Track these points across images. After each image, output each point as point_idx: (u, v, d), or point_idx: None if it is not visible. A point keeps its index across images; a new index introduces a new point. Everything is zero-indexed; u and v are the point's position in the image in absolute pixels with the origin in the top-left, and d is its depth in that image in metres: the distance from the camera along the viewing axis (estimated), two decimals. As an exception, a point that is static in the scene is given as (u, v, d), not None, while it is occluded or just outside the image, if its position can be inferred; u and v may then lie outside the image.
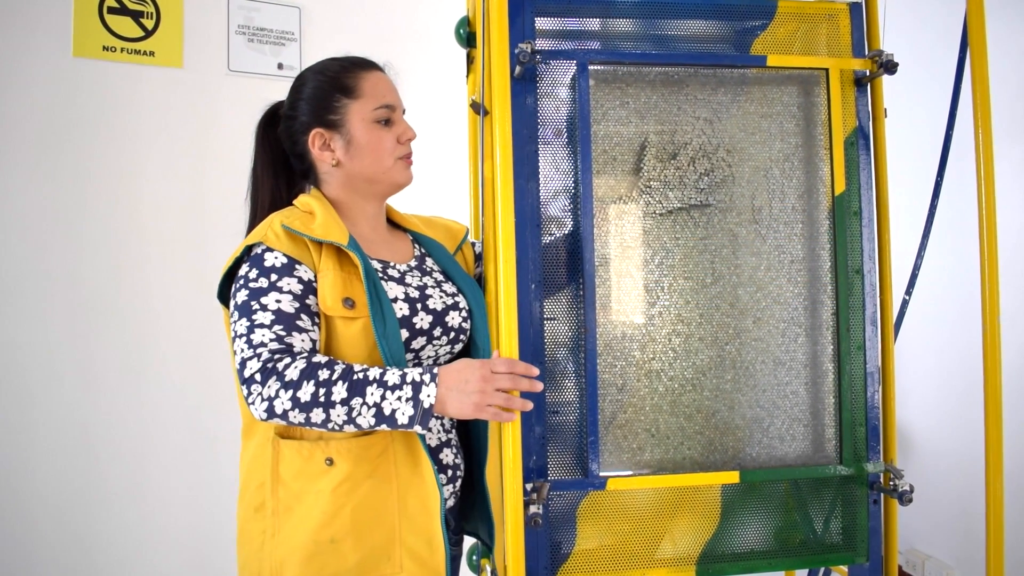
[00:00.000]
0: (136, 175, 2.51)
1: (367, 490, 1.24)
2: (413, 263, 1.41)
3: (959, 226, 2.08)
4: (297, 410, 1.15)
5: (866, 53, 1.53)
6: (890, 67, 1.46)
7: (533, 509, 1.31)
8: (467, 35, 1.62)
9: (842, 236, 1.49)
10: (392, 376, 1.17)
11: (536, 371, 1.23)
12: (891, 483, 1.48)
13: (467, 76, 1.74)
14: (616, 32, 1.54)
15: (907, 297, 1.70)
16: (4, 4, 2.35)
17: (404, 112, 1.41)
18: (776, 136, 1.51)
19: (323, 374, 1.15)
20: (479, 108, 1.46)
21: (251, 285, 1.22)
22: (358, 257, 1.24)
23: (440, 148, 2.68)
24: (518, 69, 1.38)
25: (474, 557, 1.55)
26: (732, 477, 1.43)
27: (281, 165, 1.43)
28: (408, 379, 1.17)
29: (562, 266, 1.45)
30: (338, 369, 1.17)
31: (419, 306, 1.31)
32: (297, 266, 1.23)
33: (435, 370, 1.18)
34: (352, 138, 1.34)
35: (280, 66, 2.68)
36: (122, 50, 2.46)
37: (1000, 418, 1.41)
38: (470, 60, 1.69)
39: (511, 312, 1.27)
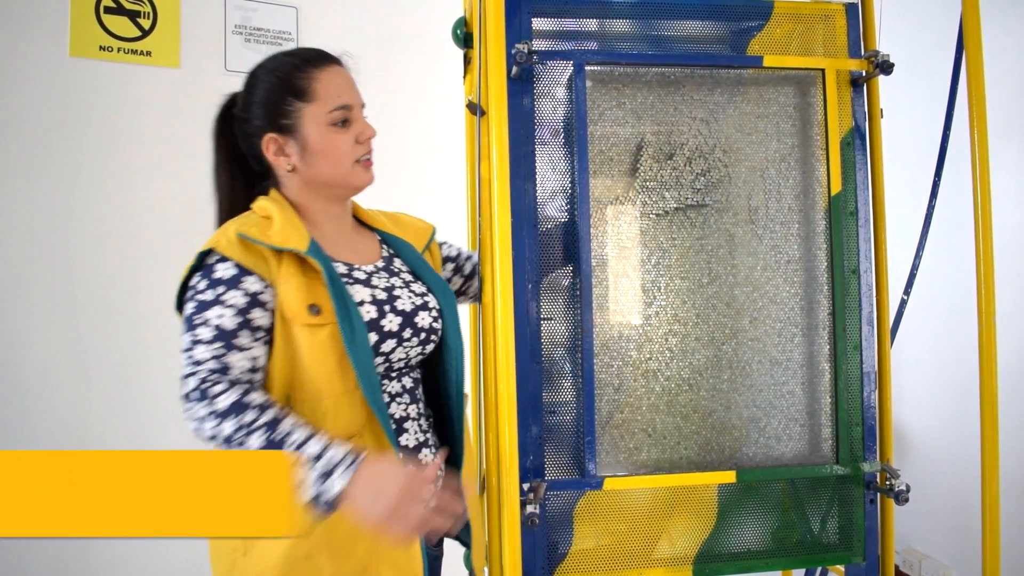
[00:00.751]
0: (132, 175, 2.51)
1: None
2: (380, 264, 1.35)
3: (955, 226, 2.09)
4: (220, 440, 1.11)
5: (862, 53, 1.53)
6: (886, 67, 1.47)
7: (530, 509, 1.31)
8: (464, 35, 1.62)
9: (838, 236, 1.49)
10: (313, 445, 1.09)
11: (461, 509, 1.16)
12: (887, 483, 1.48)
13: (464, 76, 1.74)
14: (613, 33, 1.54)
15: (905, 297, 1.70)
16: (0, 3, 2.35)
17: (364, 107, 1.33)
18: (772, 136, 1.51)
19: (248, 416, 1.11)
20: (476, 108, 1.46)
21: (198, 297, 1.18)
22: (320, 263, 1.19)
23: (437, 149, 2.68)
24: (515, 69, 1.38)
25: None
26: (729, 477, 1.43)
27: (238, 164, 1.36)
28: (325, 457, 1.08)
29: (558, 261, 1.45)
30: (264, 418, 1.11)
31: (387, 308, 1.26)
32: (245, 278, 1.17)
33: (359, 459, 1.08)
34: (307, 144, 1.27)
35: (277, 66, 2.68)
36: (119, 50, 2.46)
37: (996, 418, 1.41)
38: (467, 60, 1.69)
39: (508, 312, 1.27)
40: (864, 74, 1.51)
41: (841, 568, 1.57)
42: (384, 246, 1.42)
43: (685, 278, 1.48)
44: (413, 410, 1.32)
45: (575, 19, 1.52)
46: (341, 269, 1.27)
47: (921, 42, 2.65)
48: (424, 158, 2.79)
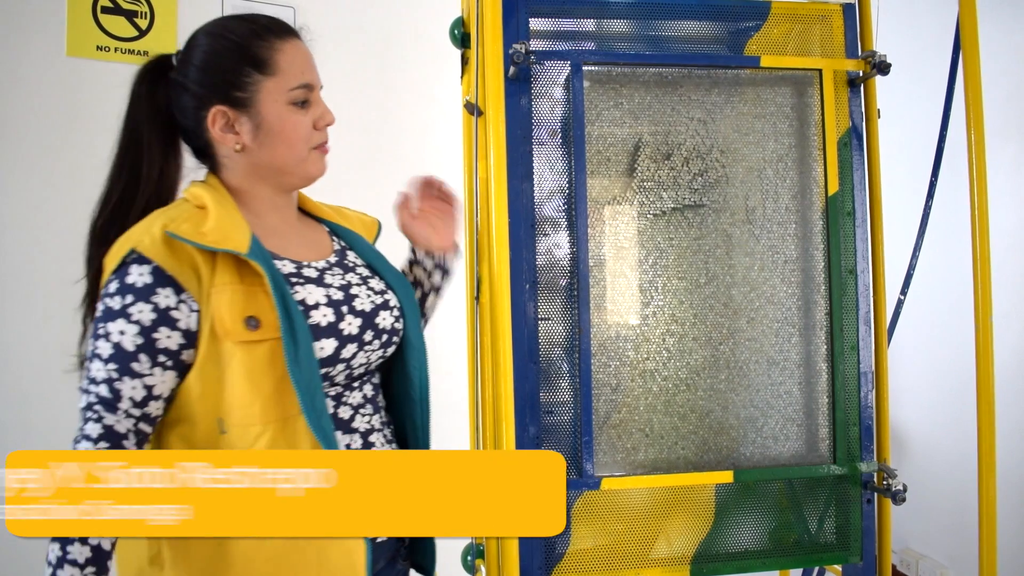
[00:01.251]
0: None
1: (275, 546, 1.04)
2: (333, 259, 1.20)
3: (952, 226, 2.09)
4: None
5: (859, 54, 1.53)
6: (883, 68, 1.47)
7: (527, 509, 1.31)
8: (462, 35, 1.62)
9: (835, 236, 1.49)
10: (76, 552, 0.96)
11: None
12: (885, 482, 1.48)
13: (462, 76, 1.74)
14: (610, 33, 1.54)
15: (902, 297, 1.70)
16: (-3, 4, 2.35)
17: (322, 89, 1.19)
18: (770, 137, 1.52)
19: None
20: (473, 108, 1.46)
21: (107, 301, 1.03)
22: (262, 266, 1.02)
23: (434, 148, 2.67)
24: (512, 70, 1.38)
25: (468, 558, 1.55)
26: (726, 477, 1.43)
27: (171, 140, 1.16)
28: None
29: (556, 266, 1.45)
30: None
31: (345, 309, 1.12)
32: (160, 289, 1.01)
33: None
34: (263, 121, 1.10)
35: (274, 66, 2.68)
36: (116, 50, 2.46)
37: (993, 418, 1.42)
38: (464, 60, 1.69)
39: (505, 312, 1.27)
40: (861, 74, 1.51)
41: (838, 568, 1.57)
42: (335, 238, 1.26)
43: (682, 278, 1.48)
44: (377, 420, 1.19)
45: (572, 19, 1.53)
46: (288, 268, 1.11)
47: (918, 43, 2.66)
48: (421, 158, 2.79)
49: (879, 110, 1.54)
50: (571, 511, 1.44)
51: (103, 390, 1.02)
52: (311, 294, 1.09)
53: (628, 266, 1.47)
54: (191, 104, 1.12)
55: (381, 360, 1.20)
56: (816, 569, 1.67)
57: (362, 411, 1.16)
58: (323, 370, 1.08)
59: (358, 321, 1.12)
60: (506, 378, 1.29)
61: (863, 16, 1.55)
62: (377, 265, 1.24)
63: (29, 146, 2.37)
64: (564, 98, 1.46)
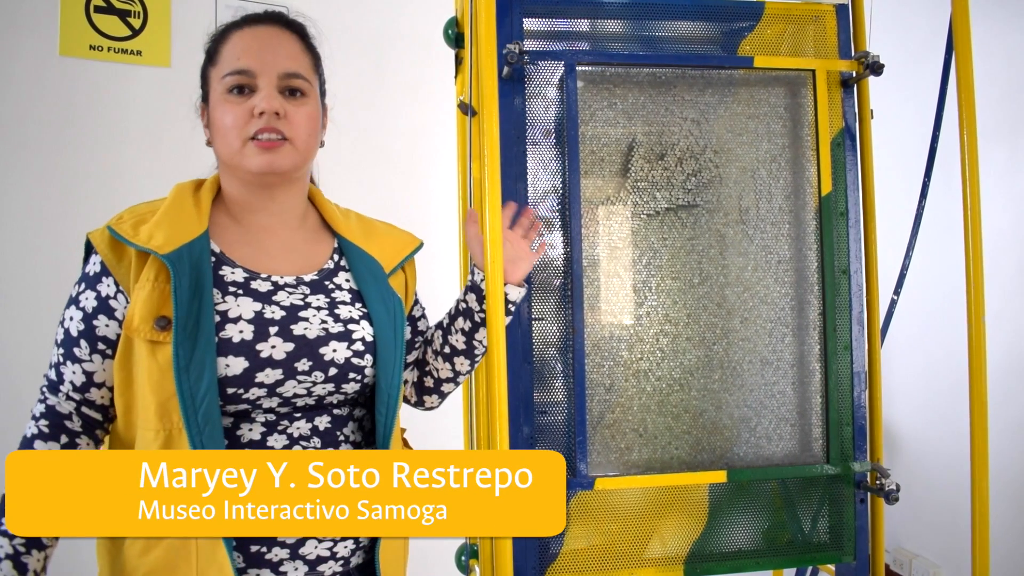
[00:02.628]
0: (123, 175, 2.50)
1: (159, 557, 1.00)
2: (313, 276, 1.13)
3: (945, 226, 2.09)
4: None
5: (852, 54, 1.54)
6: (876, 68, 1.47)
7: (521, 509, 1.31)
8: (455, 35, 1.62)
9: (829, 236, 1.50)
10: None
11: None
12: (878, 482, 1.49)
13: (455, 76, 1.74)
14: (604, 33, 1.54)
15: (895, 297, 1.71)
16: (-11, 3, 2.34)
17: (293, 77, 1.10)
18: (763, 137, 1.52)
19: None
20: (467, 109, 1.46)
21: (73, 288, 1.08)
22: (171, 269, 0.99)
23: (428, 149, 2.67)
24: (506, 70, 1.38)
25: (463, 558, 1.55)
26: (720, 477, 1.43)
27: None
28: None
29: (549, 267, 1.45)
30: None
31: (274, 330, 1.03)
32: (104, 278, 1.05)
33: None
34: (212, 113, 1.12)
35: (268, 66, 2.67)
36: (109, 49, 2.45)
37: (985, 417, 1.42)
38: (458, 61, 1.69)
39: (499, 313, 1.27)
40: (854, 75, 1.51)
41: (832, 567, 1.57)
42: (336, 256, 1.19)
43: (676, 278, 1.48)
44: None
45: (566, 19, 1.53)
46: (236, 276, 1.07)
47: (911, 43, 2.67)
48: (415, 158, 2.79)
49: (872, 110, 1.55)
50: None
51: (52, 373, 1.07)
52: (238, 307, 1.03)
53: (622, 266, 1.47)
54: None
55: (342, 398, 1.11)
56: (809, 569, 1.67)
57: (303, 444, 1.06)
58: (234, 390, 1.01)
59: (288, 346, 1.04)
60: (500, 378, 1.29)
61: (856, 17, 1.56)
62: (367, 292, 1.15)
63: (22, 146, 2.37)
64: (558, 98, 1.46)
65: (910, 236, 1.68)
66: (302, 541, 1.04)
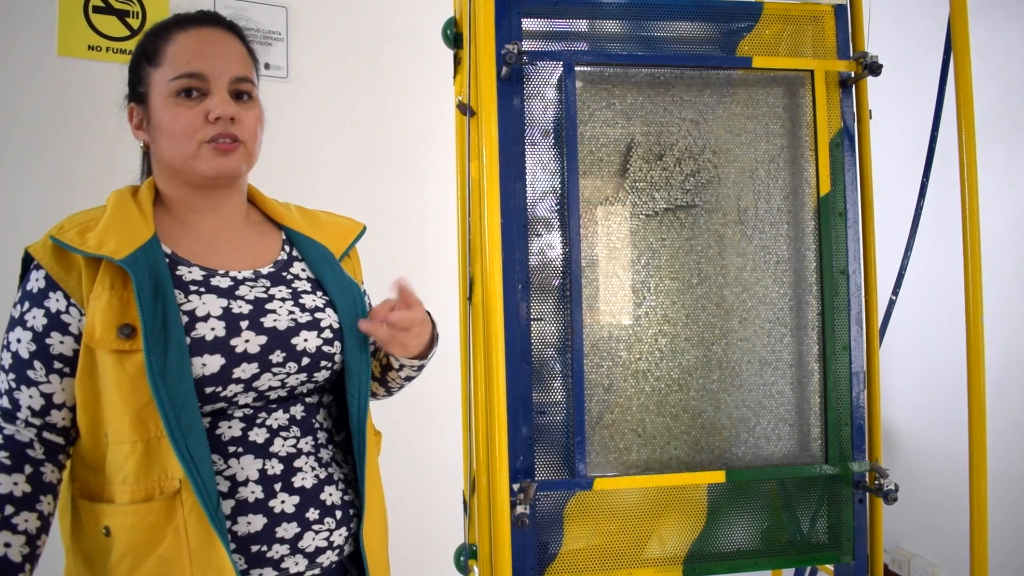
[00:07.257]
0: (122, 175, 2.49)
1: (149, 571, 0.97)
2: (269, 269, 1.13)
3: (943, 227, 2.10)
4: None
5: (851, 55, 1.54)
6: (875, 69, 1.47)
7: (520, 509, 1.31)
8: (454, 36, 1.62)
9: (827, 237, 1.50)
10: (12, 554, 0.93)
11: None
12: (876, 482, 1.49)
13: (454, 77, 1.74)
14: (603, 34, 1.54)
15: (894, 297, 1.71)
16: (-12, 3, 2.34)
17: (244, 81, 1.11)
18: (762, 137, 1.52)
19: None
20: (466, 109, 1.46)
21: (13, 309, 1.04)
22: (131, 273, 0.97)
23: (427, 149, 2.67)
24: (504, 70, 1.38)
25: (461, 558, 1.55)
26: (718, 477, 1.43)
27: None
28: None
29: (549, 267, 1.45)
30: (13, 491, 0.95)
31: (245, 324, 1.03)
32: (52, 293, 1.00)
33: None
34: (150, 115, 1.10)
35: (267, 66, 2.67)
36: (107, 49, 2.45)
37: (984, 417, 1.42)
38: (457, 61, 1.69)
39: (497, 313, 1.27)
40: (853, 75, 1.52)
41: (830, 567, 1.57)
42: (287, 247, 1.19)
43: (675, 279, 1.49)
44: (308, 444, 1.09)
45: (565, 20, 1.52)
46: (194, 276, 1.05)
47: (909, 44, 2.67)
48: (414, 159, 2.79)
49: (871, 111, 1.55)
50: (564, 511, 1.45)
51: (4, 401, 1.01)
52: (204, 305, 1.02)
53: (620, 266, 1.47)
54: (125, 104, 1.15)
55: (312, 386, 1.12)
56: (808, 569, 1.67)
57: (284, 434, 1.07)
58: (212, 389, 1.00)
59: (261, 339, 1.04)
60: (499, 378, 1.29)
61: (855, 17, 1.56)
62: (325, 279, 1.16)
63: (19, 145, 2.36)
64: (556, 98, 1.46)
65: (908, 236, 1.68)
66: (300, 534, 1.05)
